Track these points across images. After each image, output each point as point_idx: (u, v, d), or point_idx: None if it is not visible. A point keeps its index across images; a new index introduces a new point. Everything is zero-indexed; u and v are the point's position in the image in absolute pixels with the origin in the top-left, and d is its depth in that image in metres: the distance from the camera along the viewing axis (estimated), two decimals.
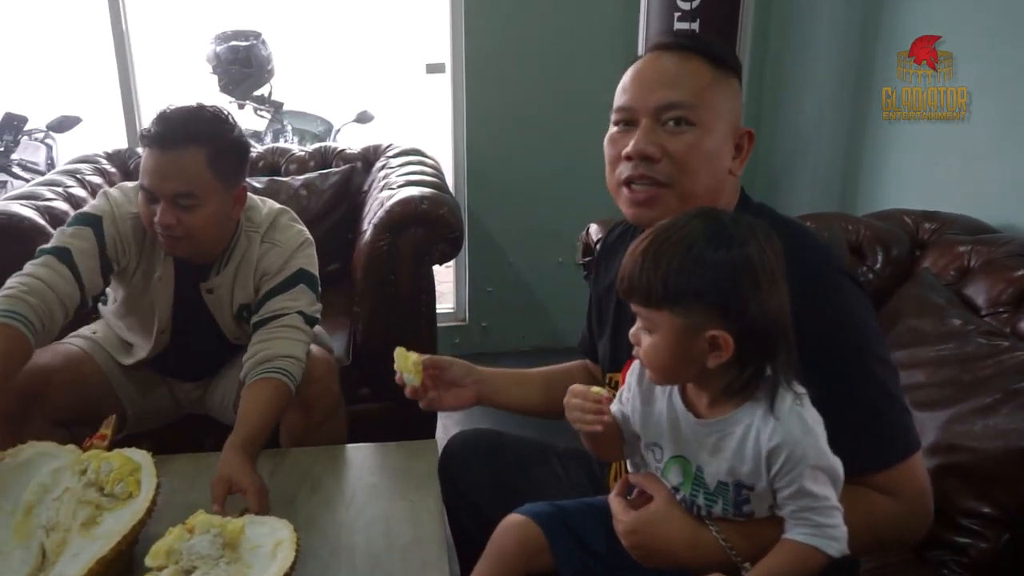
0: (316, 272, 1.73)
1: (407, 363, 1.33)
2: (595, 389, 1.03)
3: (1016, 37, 1.71)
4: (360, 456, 1.61)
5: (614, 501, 1.05)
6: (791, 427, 0.91)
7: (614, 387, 1.29)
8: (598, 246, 1.38)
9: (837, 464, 0.91)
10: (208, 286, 1.70)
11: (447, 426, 2.69)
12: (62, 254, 1.56)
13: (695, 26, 2.41)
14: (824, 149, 2.63)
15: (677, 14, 2.45)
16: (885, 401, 1.03)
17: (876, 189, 2.42)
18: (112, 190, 1.70)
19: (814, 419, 0.92)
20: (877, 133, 2.09)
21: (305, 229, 1.77)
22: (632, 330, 0.97)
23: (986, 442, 1.24)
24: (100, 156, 2.62)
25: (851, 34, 2.47)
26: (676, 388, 1.00)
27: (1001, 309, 1.54)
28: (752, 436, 0.92)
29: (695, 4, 2.42)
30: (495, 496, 1.41)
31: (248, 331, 1.69)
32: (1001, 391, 1.30)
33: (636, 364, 1.03)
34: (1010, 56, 1.72)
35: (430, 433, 2.28)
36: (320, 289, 1.73)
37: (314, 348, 1.74)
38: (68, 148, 4.23)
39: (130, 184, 1.73)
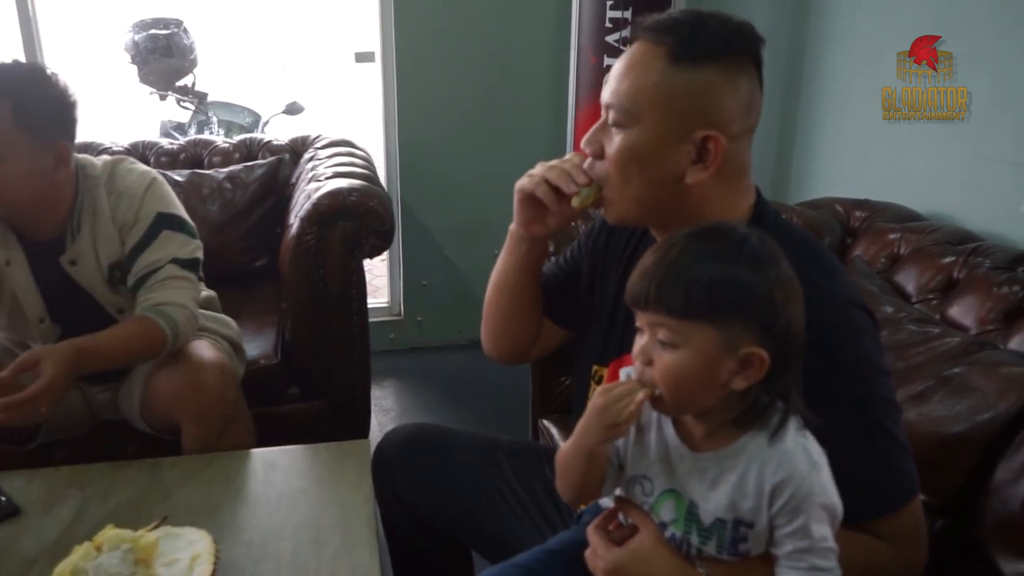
0: (176, 210, 1.66)
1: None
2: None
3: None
4: (287, 459, 1.55)
5: (593, 534, 0.97)
6: (797, 461, 0.85)
7: (599, 381, 1.24)
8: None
9: (839, 503, 0.86)
10: (68, 257, 1.60)
11: (383, 423, 2.64)
12: None
13: (627, 14, 2.39)
14: (757, 138, 2.64)
15: (609, 2, 2.43)
16: (889, 445, 0.98)
17: (808, 177, 2.45)
18: None
19: (818, 453, 0.86)
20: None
21: (149, 169, 1.68)
22: (639, 346, 0.87)
23: (920, 429, 1.24)
24: None
25: (783, 21, 2.48)
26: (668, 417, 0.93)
27: (931, 296, 1.55)
28: (755, 470, 0.86)
29: None
30: (435, 498, 1.35)
31: (127, 296, 1.63)
32: (933, 378, 1.30)
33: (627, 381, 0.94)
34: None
35: (363, 433, 2.22)
36: (191, 224, 1.67)
37: (207, 352, 1.65)
38: None
39: None
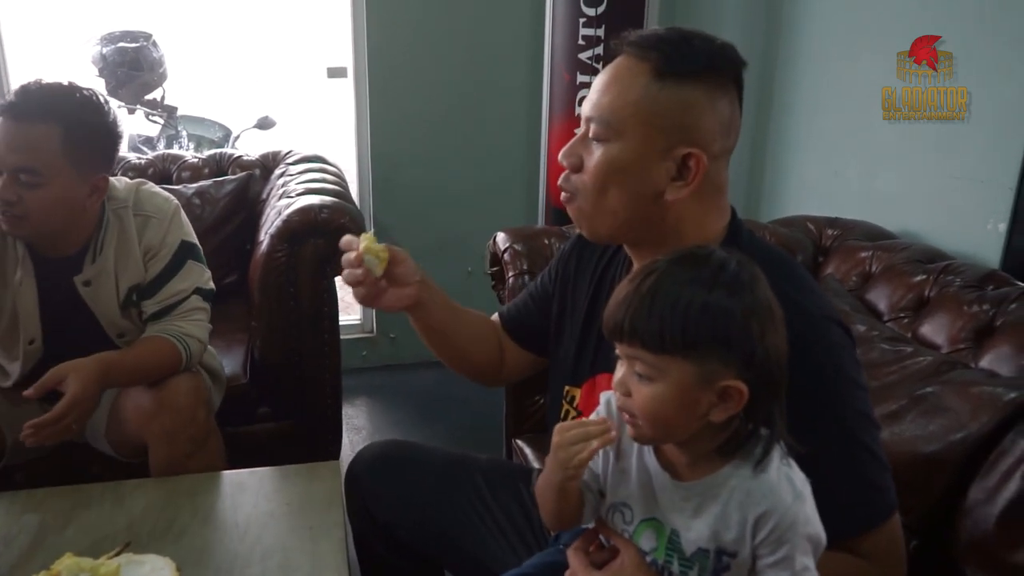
0: (195, 239, 1.69)
1: (375, 246, 1.16)
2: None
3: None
4: (255, 481, 1.51)
5: (574, 556, 0.95)
6: (781, 491, 0.83)
7: (570, 401, 1.22)
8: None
9: (823, 533, 0.85)
10: (84, 278, 1.59)
11: (355, 443, 2.61)
12: None
13: (600, 32, 2.40)
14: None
15: (583, 19, 2.44)
16: (868, 461, 0.98)
17: (780, 195, 2.46)
18: None
19: (802, 482, 0.85)
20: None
21: (169, 195, 1.70)
22: (618, 377, 0.86)
23: (893, 449, 1.24)
24: None
25: (754, 40, 2.50)
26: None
27: (902, 314, 1.56)
28: (737, 499, 0.84)
29: (600, 10, 2.41)
30: (408, 516, 1.33)
31: (134, 320, 1.64)
32: (906, 397, 1.31)
33: (607, 409, 0.92)
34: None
35: (334, 453, 2.19)
36: (203, 254, 1.70)
37: (179, 376, 1.61)
38: None
39: None
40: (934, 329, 1.48)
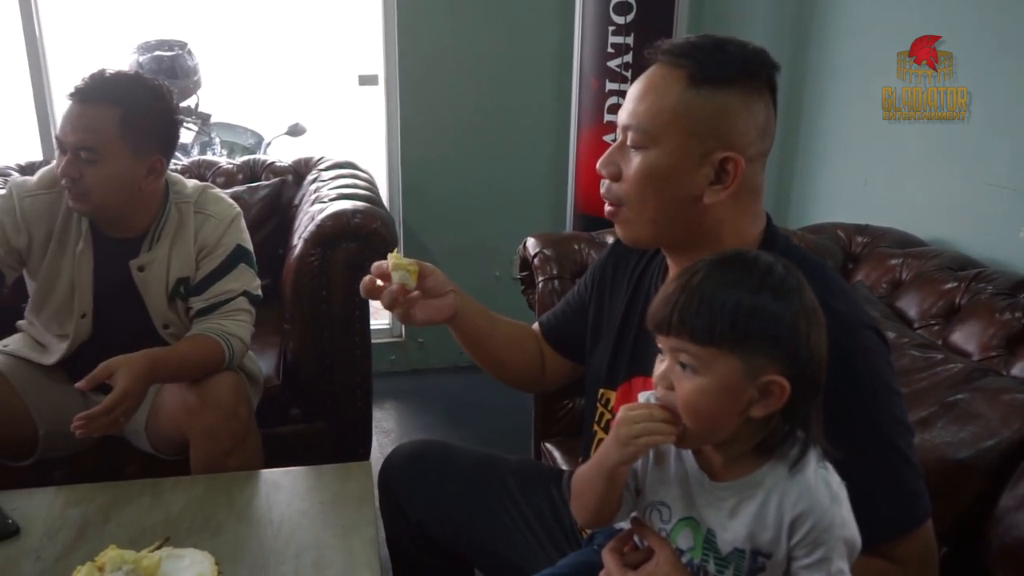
0: (251, 246, 1.76)
1: (403, 261, 1.18)
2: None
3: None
4: (289, 480, 1.54)
5: (608, 557, 0.96)
6: (818, 493, 0.84)
7: (604, 404, 1.24)
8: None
9: (859, 537, 0.86)
10: (139, 263, 1.67)
11: (383, 445, 2.63)
12: None
13: (630, 40, 2.42)
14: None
15: (612, 27, 2.46)
16: (902, 467, 0.99)
17: (809, 202, 2.46)
18: (17, 176, 1.71)
19: (838, 484, 0.85)
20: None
21: (233, 202, 1.78)
22: (660, 371, 0.87)
23: (924, 455, 1.23)
24: (12, 168, 2.48)
25: (783, 37, 2.50)
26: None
27: (933, 322, 1.56)
28: (774, 500, 0.85)
29: (630, 19, 2.43)
30: (441, 516, 1.35)
31: (180, 314, 1.70)
32: (937, 404, 1.30)
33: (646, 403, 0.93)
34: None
35: (365, 454, 2.22)
36: (255, 263, 1.76)
37: (222, 373, 1.66)
38: None
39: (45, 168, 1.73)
40: (965, 336, 1.48)
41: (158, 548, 1.19)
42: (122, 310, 1.69)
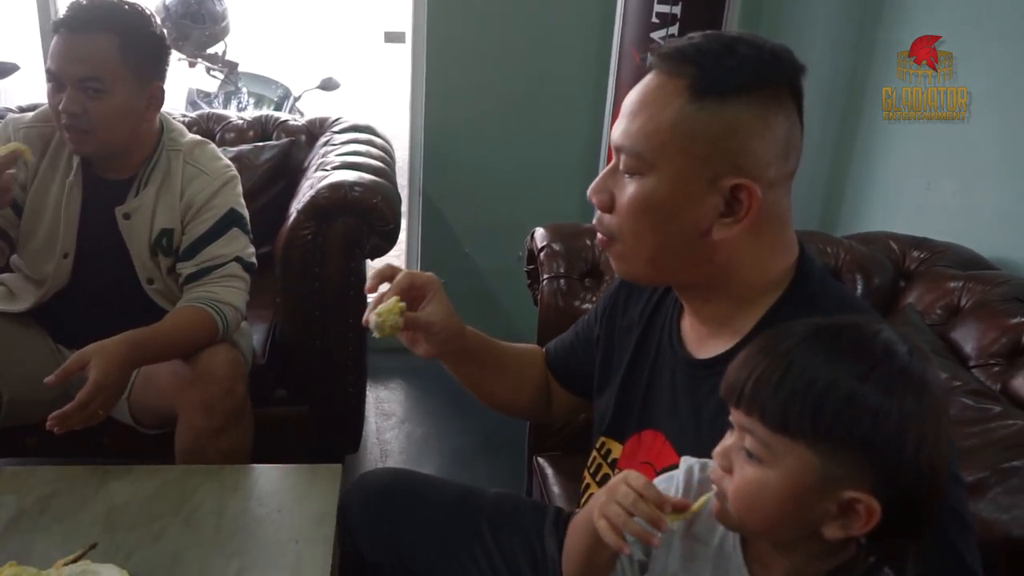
0: (246, 211, 1.68)
1: (392, 317, 1.11)
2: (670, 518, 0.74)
3: (1016, 37, 1.68)
4: (249, 480, 1.41)
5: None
6: None
7: (604, 455, 1.08)
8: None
9: None
10: (125, 210, 1.60)
11: (382, 428, 2.50)
12: None
13: (677, 10, 2.19)
14: (809, 156, 2.43)
15: None
16: (959, 531, 0.82)
17: (862, 206, 2.23)
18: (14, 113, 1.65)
19: None
20: (872, 135, 1.99)
21: (231, 163, 1.70)
22: (723, 445, 0.72)
23: None
24: (12, 110, 2.36)
25: (846, 34, 2.26)
26: (736, 537, 0.75)
27: (992, 361, 1.35)
28: None
29: None
30: (397, 562, 1.18)
31: (163, 270, 1.64)
32: (989, 468, 1.11)
33: (687, 478, 0.77)
34: (1010, 56, 1.69)
35: (353, 445, 2.08)
36: (250, 228, 1.69)
37: (219, 346, 1.57)
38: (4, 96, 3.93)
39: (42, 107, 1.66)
40: None
41: (75, 561, 1.05)
42: (104, 258, 1.62)
